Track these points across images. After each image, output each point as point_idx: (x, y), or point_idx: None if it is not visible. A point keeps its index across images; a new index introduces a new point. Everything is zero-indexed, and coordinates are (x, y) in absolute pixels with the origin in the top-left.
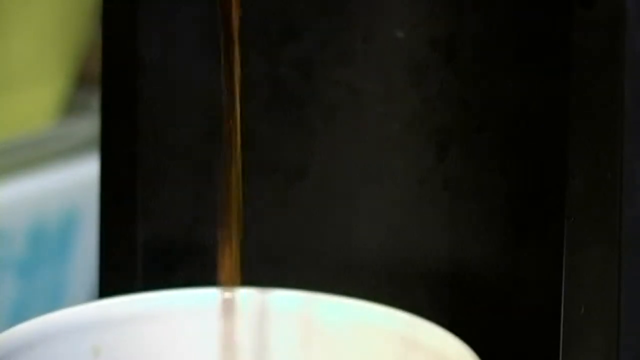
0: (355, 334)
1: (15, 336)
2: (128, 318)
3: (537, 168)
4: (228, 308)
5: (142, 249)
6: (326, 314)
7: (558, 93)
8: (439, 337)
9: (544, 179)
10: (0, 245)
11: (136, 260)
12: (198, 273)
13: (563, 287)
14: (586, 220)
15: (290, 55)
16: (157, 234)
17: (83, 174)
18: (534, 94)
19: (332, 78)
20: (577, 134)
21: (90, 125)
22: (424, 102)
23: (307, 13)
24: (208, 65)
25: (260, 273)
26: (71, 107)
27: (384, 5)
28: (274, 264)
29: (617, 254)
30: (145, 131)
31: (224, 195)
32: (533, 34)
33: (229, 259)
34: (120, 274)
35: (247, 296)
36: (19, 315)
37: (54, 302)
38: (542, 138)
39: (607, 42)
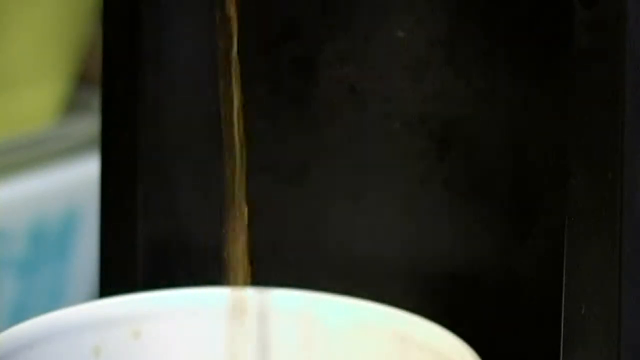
0: (356, 333)
1: (15, 336)
2: (128, 318)
3: (537, 168)
4: (230, 308)
5: (142, 249)
6: (327, 313)
7: (558, 93)
8: (440, 336)
9: (544, 179)
10: (0, 245)
11: (136, 260)
12: (198, 273)
13: (563, 287)
14: (586, 220)
15: (291, 54)
16: (157, 233)
17: (83, 174)
18: (534, 93)
19: (333, 77)
20: (577, 134)
21: (90, 125)
22: (424, 102)
23: (307, 12)
24: (208, 65)
25: (260, 273)
26: (71, 107)
27: (384, 5)
28: (274, 264)
29: (617, 254)
30: (145, 131)
31: (229, 196)
32: (533, 33)
33: (237, 259)
34: (120, 274)
35: (247, 296)
36: (19, 315)
37: (54, 302)
38: (541, 138)
39: (607, 42)
